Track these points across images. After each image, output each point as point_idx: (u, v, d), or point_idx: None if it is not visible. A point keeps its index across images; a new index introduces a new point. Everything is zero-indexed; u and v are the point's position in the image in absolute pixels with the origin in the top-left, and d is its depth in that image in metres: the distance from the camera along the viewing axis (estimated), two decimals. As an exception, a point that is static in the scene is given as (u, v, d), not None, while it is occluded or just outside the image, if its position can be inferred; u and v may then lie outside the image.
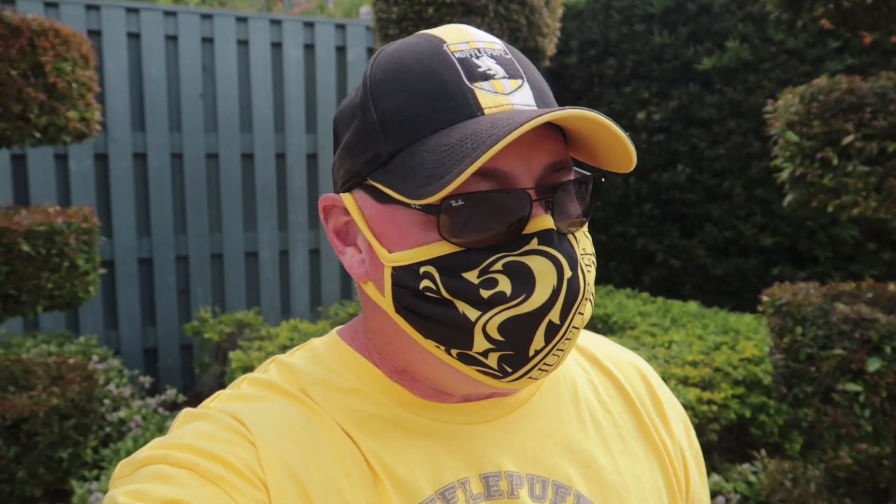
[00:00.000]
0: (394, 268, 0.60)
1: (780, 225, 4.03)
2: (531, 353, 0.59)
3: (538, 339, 0.58)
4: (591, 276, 0.62)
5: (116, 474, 0.59)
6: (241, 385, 0.68)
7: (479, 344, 0.58)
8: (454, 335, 0.59)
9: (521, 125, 0.52)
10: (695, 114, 4.37)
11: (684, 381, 2.82)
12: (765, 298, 2.40)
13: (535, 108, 0.60)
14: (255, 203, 4.59)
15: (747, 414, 2.84)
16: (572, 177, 0.63)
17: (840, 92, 2.15)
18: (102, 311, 4.27)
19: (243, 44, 4.51)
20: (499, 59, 0.61)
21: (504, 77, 0.60)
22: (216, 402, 0.66)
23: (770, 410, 2.93)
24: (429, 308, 0.59)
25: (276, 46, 4.60)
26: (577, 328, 0.60)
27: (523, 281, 0.57)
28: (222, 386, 3.93)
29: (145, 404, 3.56)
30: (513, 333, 0.58)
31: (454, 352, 0.60)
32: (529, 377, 0.60)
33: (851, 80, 2.17)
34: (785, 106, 2.31)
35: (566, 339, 0.60)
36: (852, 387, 2.05)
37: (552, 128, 0.61)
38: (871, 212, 2.05)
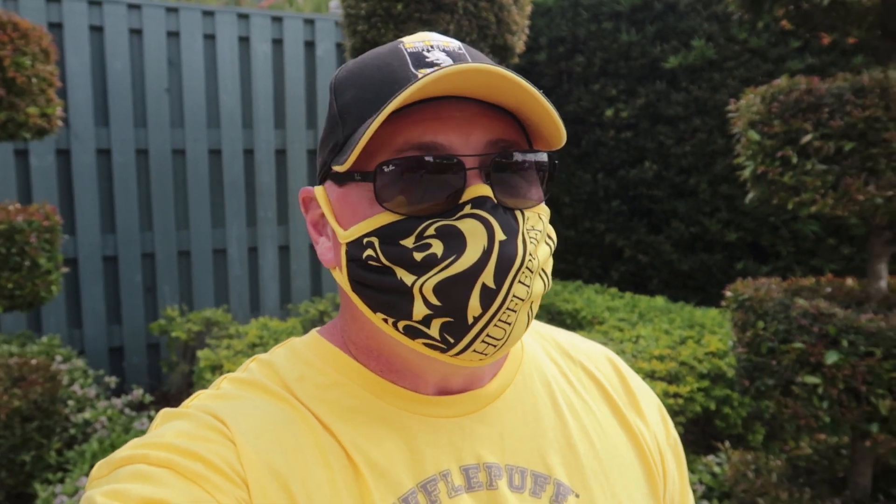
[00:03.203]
0: (347, 244, 0.63)
1: (744, 221, 4.11)
2: (470, 319, 0.59)
3: (474, 304, 0.59)
4: (539, 250, 0.62)
5: (94, 475, 0.59)
6: (222, 384, 0.68)
7: (419, 309, 0.59)
8: (396, 302, 0.60)
9: (423, 83, 0.56)
10: (661, 111, 4.44)
11: (651, 375, 2.87)
12: (728, 294, 2.46)
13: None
14: (222, 199, 4.54)
15: (712, 406, 2.91)
16: (521, 156, 0.64)
17: (799, 92, 2.20)
18: (66, 310, 4.19)
19: (210, 38, 4.45)
20: (450, 53, 0.64)
21: (450, 65, 0.61)
22: (196, 400, 0.66)
23: (734, 403, 2.99)
24: (372, 277, 0.61)
25: (244, 41, 4.54)
26: (521, 299, 0.60)
27: (454, 242, 0.59)
28: (190, 385, 3.88)
29: (111, 405, 3.50)
30: (448, 296, 0.59)
31: (400, 325, 0.61)
32: (474, 350, 0.61)
33: (810, 81, 2.23)
34: (747, 105, 2.36)
35: (509, 309, 0.60)
36: (811, 379, 2.11)
37: (497, 109, 0.63)
38: (829, 209, 2.11)
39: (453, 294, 0.58)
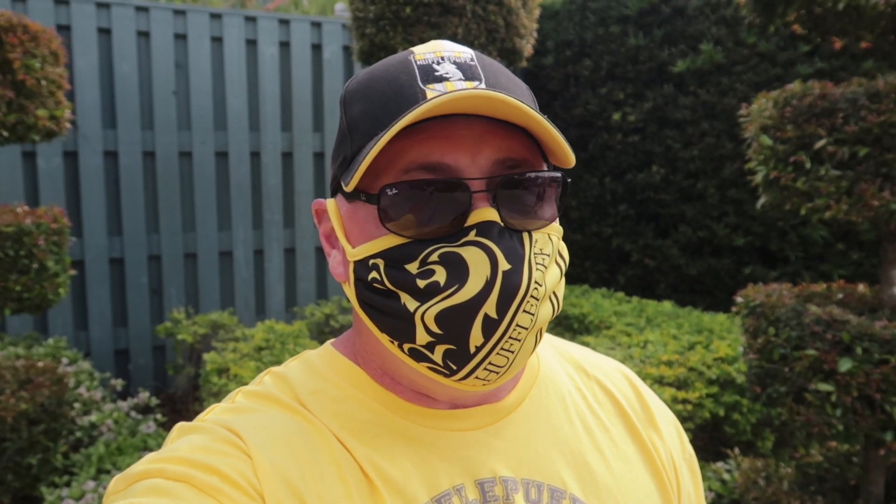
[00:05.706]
0: (354, 262, 0.63)
1: (752, 225, 4.09)
2: (472, 349, 0.59)
3: (476, 334, 0.58)
4: (546, 276, 0.61)
5: (111, 489, 0.58)
6: (236, 397, 0.68)
7: (421, 336, 0.59)
8: (400, 327, 0.60)
9: (427, 107, 0.55)
10: (669, 115, 4.42)
11: (660, 381, 2.85)
12: (739, 299, 2.44)
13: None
14: (229, 202, 4.53)
15: (721, 413, 2.89)
16: (532, 175, 0.62)
17: (813, 97, 2.18)
18: (72, 312, 4.18)
19: (217, 41, 4.45)
20: (460, 65, 0.62)
21: (459, 79, 0.61)
22: (211, 414, 0.66)
23: (743, 409, 2.97)
24: (378, 300, 0.61)
25: (251, 44, 4.54)
26: (524, 328, 0.59)
27: (457, 271, 0.58)
28: (196, 388, 3.87)
29: (117, 407, 3.50)
30: (449, 325, 0.58)
31: (405, 347, 0.61)
32: (476, 377, 0.60)
33: (824, 86, 2.21)
34: (759, 110, 2.34)
35: (511, 338, 0.59)
36: (824, 387, 2.09)
37: (507, 126, 0.61)
38: (843, 215, 2.09)
39: (454, 324, 0.58)
